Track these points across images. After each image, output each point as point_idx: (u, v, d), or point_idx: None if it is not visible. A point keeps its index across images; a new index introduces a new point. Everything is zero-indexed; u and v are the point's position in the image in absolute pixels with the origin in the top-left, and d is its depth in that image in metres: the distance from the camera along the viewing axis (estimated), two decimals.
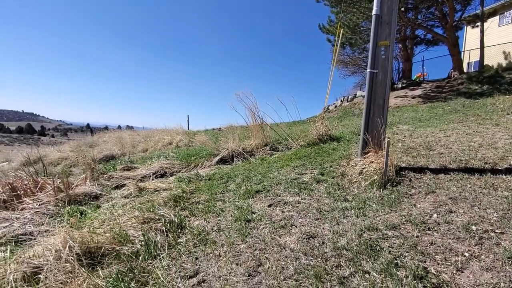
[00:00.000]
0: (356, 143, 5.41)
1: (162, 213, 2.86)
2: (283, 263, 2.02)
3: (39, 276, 1.96)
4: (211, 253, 2.25)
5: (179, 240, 2.48)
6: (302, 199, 3.13)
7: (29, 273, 2.01)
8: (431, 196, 2.84)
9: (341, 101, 17.10)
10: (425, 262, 1.89)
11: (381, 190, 3.09)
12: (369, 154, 3.52)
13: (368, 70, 3.61)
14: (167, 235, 2.54)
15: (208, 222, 2.81)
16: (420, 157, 4.02)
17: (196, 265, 2.10)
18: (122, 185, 4.52)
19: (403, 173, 3.44)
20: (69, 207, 3.53)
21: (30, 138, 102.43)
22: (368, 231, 2.31)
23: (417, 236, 2.18)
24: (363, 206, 2.77)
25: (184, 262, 2.15)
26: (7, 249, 2.64)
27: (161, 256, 2.25)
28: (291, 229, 2.49)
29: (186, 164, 5.54)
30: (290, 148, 5.95)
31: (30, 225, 3.11)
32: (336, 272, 1.87)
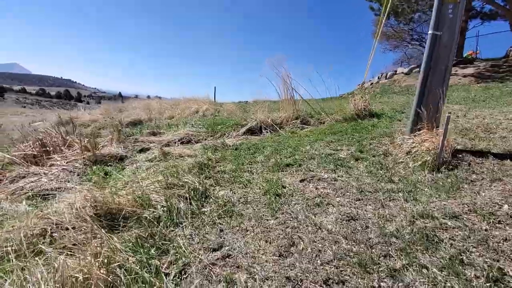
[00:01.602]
0: (400, 120, 4.87)
1: (186, 180, 2.68)
2: (319, 245, 1.75)
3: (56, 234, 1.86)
4: (237, 226, 2.03)
5: (203, 209, 2.29)
6: (338, 176, 2.79)
7: (48, 230, 1.92)
8: (498, 184, 2.38)
9: (378, 77, 15.86)
10: (498, 261, 1.53)
11: (434, 173, 2.67)
12: (421, 131, 3.04)
13: (429, 32, 3.03)
14: (190, 203, 2.36)
15: (234, 193, 2.59)
16: (478, 139, 3.47)
17: (221, 237, 1.90)
18: (147, 148, 4.43)
19: (460, 156, 2.96)
20: (95, 166, 3.49)
21: (67, 103, 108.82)
22: (421, 218, 1.96)
23: (486, 230, 1.79)
24: (413, 190, 2.39)
25: (207, 233, 1.96)
26: (33, 204, 2.63)
27: (183, 224, 2.07)
28: (327, 208, 2.20)
29: (212, 132, 5.34)
30: (323, 123, 5.52)
31: (57, 181, 3.09)
32: (385, 262, 1.57)
